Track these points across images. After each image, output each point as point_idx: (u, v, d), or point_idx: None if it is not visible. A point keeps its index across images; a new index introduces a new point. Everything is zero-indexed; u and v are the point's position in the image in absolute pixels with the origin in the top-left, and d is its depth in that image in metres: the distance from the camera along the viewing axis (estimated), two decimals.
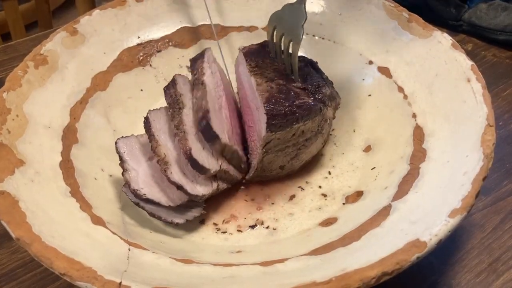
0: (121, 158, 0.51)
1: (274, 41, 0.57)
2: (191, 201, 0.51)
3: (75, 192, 0.49)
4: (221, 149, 0.51)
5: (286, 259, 0.44)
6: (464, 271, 0.51)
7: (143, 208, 0.50)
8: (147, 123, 0.52)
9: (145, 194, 0.49)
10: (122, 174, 0.50)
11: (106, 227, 0.46)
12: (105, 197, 0.52)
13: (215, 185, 0.52)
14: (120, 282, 0.37)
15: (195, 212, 0.51)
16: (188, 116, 0.52)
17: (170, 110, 0.53)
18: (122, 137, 0.53)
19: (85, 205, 0.48)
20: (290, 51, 0.54)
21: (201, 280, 0.41)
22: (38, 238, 0.41)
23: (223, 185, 0.53)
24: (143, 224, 0.51)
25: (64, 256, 0.39)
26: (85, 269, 0.39)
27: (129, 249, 0.44)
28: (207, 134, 0.50)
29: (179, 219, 0.50)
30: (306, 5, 0.54)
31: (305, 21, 0.53)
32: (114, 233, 0.46)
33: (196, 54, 0.57)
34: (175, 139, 0.51)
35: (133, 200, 0.50)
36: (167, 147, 0.51)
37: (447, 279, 0.50)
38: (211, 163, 0.51)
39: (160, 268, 0.42)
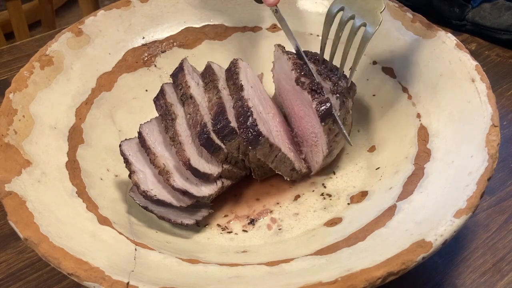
0: (127, 161, 0.51)
1: (337, 23, 0.54)
2: (199, 201, 0.51)
3: (82, 193, 0.50)
4: (224, 157, 0.52)
5: (292, 259, 0.44)
6: (469, 271, 0.51)
7: (151, 211, 0.50)
8: (141, 137, 0.52)
9: (155, 195, 0.49)
10: (130, 176, 0.50)
11: (113, 227, 0.47)
12: (111, 197, 0.52)
13: (219, 183, 0.52)
14: (128, 282, 0.38)
15: (203, 212, 0.52)
16: (181, 126, 0.52)
17: (163, 122, 0.53)
18: (126, 139, 0.53)
19: (92, 205, 0.49)
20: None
21: (207, 281, 0.42)
22: (46, 239, 0.41)
23: (227, 182, 0.53)
24: (149, 224, 0.51)
25: (72, 256, 0.40)
26: (92, 269, 0.39)
27: (135, 249, 0.44)
28: (209, 147, 0.50)
29: (188, 220, 0.50)
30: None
31: (383, 9, 0.51)
32: (120, 233, 0.46)
33: (174, 68, 0.56)
34: (172, 148, 0.51)
35: (142, 204, 0.50)
36: (165, 157, 0.51)
37: (451, 279, 0.50)
38: (212, 167, 0.51)
39: (167, 268, 0.43)
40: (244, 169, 0.55)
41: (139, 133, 0.52)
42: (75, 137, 0.56)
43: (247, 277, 0.42)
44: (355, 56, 0.53)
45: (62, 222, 0.44)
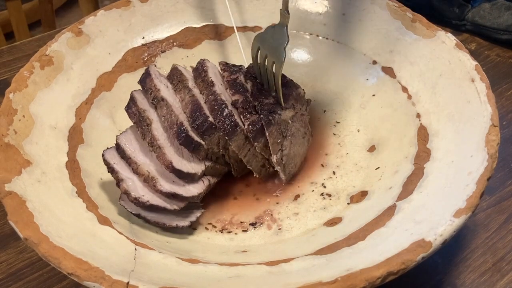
0: (112, 170, 0.50)
1: (258, 61, 0.57)
2: (190, 202, 0.51)
3: (81, 192, 0.50)
4: (205, 154, 0.52)
5: (292, 258, 0.44)
6: (468, 271, 0.51)
7: (144, 218, 0.49)
8: (119, 148, 0.51)
9: (148, 201, 0.48)
10: (117, 185, 0.49)
11: (113, 227, 0.47)
12: (111, 197, 0.52)
13: (206, 181, 0.52)
14: (128, 282, 0.38)
15: (196, 212, 0.51)
16: (158, 130, 0.52)
17: (139, 129, 0.52)
18: (108, 148, 0.52)
19: (92, 205, 0.49)
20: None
21: (207, 280, 0.42)
22: (46, 238, 0.41)
23: (213, 180, 0.53)
24: (149, 224, 0.51)
25: (72, 256, 0.40)
26: (92, 269, 0.39)
27: (135, 249, 0.44)
28: (189, 145, 0.50)
29: (183, 223, 0.50)
30: (288, 28, 0.54)
31: (287, 44, 0.54)
32: (120, 233, 0.46)
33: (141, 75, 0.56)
34: (152, 154, 0.51)
35: (134, 212, 0.49)
36: (148, 164, 0.51)
37: (451, 278, 0.50)
38: (196, 166, 0.51)
39: (167, 268, 0.43)
40: (226, 164, 0.55)
41: (117, 144, 0.52)
42: (75, 137, 0.56)
43: (247, 276, 0.42)
44: (276, 88, 0.55)
45: (62, 222, 0.44)
